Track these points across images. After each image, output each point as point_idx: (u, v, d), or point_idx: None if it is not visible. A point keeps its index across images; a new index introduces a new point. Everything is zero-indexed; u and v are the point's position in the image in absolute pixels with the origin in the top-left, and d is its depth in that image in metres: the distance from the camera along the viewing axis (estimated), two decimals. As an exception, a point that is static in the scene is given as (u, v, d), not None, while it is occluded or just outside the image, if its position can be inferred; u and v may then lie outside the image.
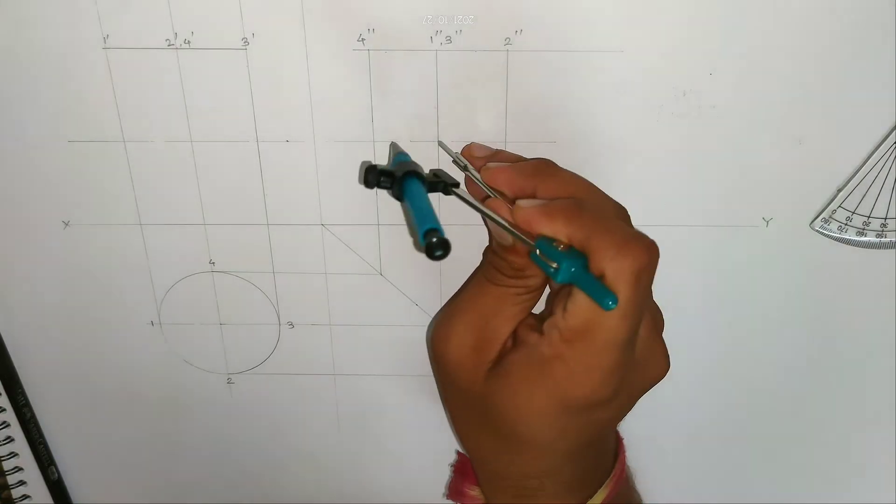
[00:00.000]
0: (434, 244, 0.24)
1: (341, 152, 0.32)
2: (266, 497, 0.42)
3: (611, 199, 0.29)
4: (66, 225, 0.34)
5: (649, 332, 0.29)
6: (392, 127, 0.31)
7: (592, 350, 0.26)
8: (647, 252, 0.25)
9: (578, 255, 0.26)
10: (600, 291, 0.25)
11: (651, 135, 0.31)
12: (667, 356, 0.30)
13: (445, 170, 0.31)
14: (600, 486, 0.32)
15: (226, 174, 0.33)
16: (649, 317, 0.29)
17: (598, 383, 0.27)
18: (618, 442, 0.34)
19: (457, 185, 0.30)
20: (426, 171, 0.31)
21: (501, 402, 0.29)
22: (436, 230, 0.25)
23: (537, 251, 0.27)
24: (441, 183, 0.29)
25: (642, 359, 0.28)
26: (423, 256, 0.34)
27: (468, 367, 0.30)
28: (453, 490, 0.36)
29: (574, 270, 0.26)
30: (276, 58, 0.30)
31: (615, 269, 0.25)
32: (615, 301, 0.25)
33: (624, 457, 0.34)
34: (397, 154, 0.31)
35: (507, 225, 0.27)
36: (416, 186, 0.28)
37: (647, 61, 0.30)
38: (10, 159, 0.32)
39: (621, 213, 0.29)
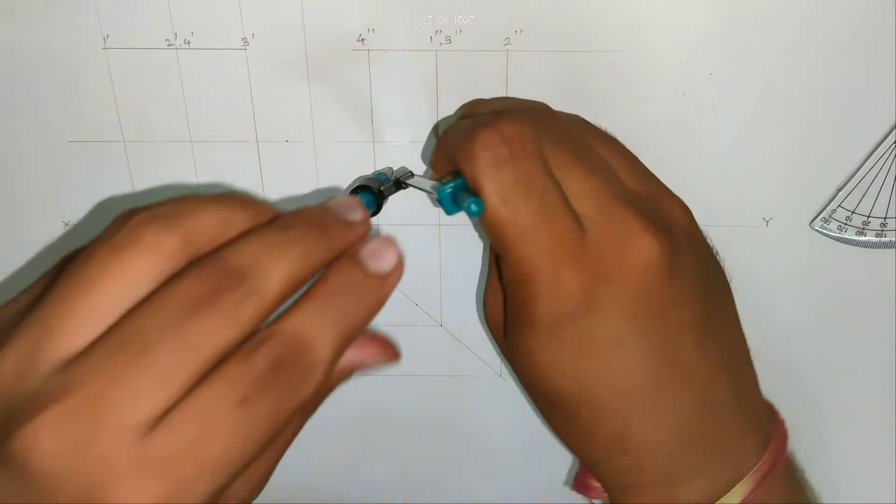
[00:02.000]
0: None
1: (341, 152, 0.32)
2: (266, 497, 0.42)
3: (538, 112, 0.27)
4: (66, 225, 0.34)
5: (597, 201, 0.24)
6: (392, 127, 0.31)
7: (512, 256, 0.24)
8: (494, 131, 0.23)
9: (459, 178, 0.25)
10: (466, 202, 0.23)
11: (651, 135, 0.31)
12: (649, 230, 0.24)
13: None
14: (740, 479, 0.26)
15: (226, 174, 0.33)
16: (583, 185, 0.24)
17: (538, 287, 0.24)
18: (773, 421, 0.28)
19: (410, 175, 0.30)
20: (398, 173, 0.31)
21: (516, 362, 0.27)
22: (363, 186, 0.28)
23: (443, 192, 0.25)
24: (395, 181, 0.29)
25: (603, 240, 0.24)
26: (423, 256, 0.34)
27: (500, 340, 0.28)
28: (579, 482, 0.31)
29: (450, 191, 0.24)
30: (276, 58, 0.30)
31: (467, 169, 0.23)
32: (478, 203, 0.23)
33: (782, 442, 0.27)
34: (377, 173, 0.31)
35: (428, 188, 0.27)
36: (366, 199, 0.28)
37: (647, 61, 0.30)
38: (10, 159, 0.32)
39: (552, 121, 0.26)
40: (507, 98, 0.30)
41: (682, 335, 0.25)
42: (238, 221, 0.20)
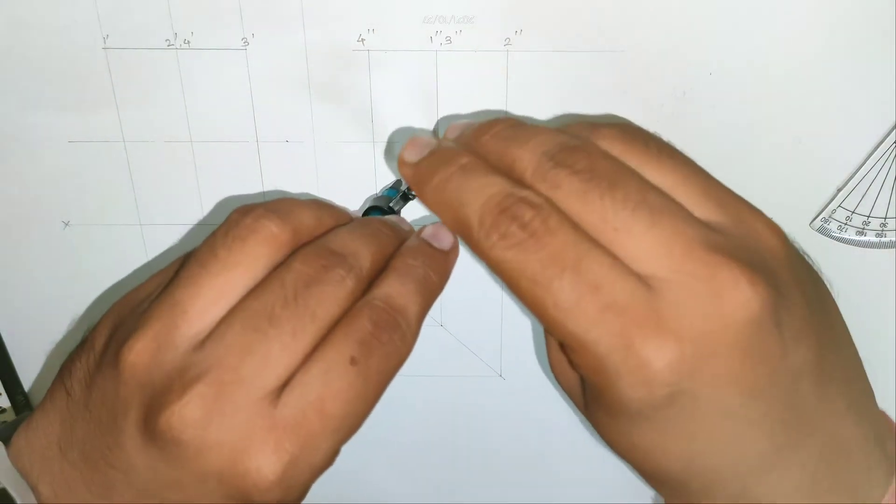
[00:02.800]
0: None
1: (341, 152, 0.32)
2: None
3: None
4: (66, 225, 0.34)
5: (668, 255, 0.20)
6: (392, 127, 0.31)
7: (567, 339, 0.20)
8: (505, 214, 0.20)
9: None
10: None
11: (651, 135, 0.31)
12: (744, 276, 0.19)
13: None
14: None
15: (226, 174, 0.33)
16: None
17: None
18: None
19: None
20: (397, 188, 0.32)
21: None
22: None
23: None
24: (402, 195, 0.31)
25: (684, 299, 0.19)
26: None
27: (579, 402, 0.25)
28: None
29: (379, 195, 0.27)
30: (276, 58, 0.30)
31: (481, 252, 0.21)
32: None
33: None
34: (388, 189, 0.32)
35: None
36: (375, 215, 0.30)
37: (647, 61, 0.30)
38: (10, 159, 0.32)
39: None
40: (512, 124, 0.23)
41: (798, 384, 0.21)
42: (327, 220, 0.24)
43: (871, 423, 0.24)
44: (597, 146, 0.22)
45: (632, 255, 0.20)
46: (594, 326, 0.19)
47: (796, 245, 0.23)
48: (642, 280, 0.20)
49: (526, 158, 0.21)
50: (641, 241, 0.20)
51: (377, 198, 0.32)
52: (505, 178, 0.21)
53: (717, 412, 0.20)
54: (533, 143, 0.21)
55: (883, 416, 0.26)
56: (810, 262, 0.24)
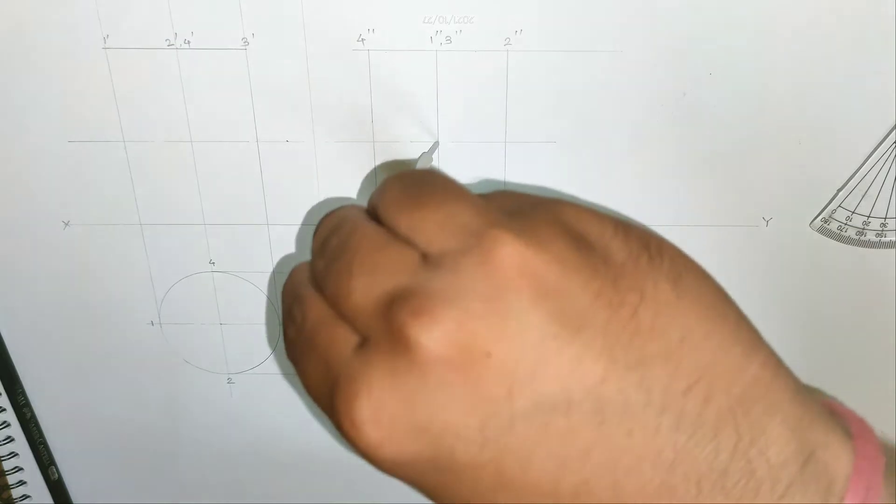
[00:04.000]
0: None
1: (341, 152, 0.32)
2: (266, 497, 0.42)
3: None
4: (66, 225, 0.34)
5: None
6: (392, 127, 0.31)
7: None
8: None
9: None
10: None
11: (651, 135, 0.31)
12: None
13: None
14: None
15: (226, 174, 0.33)
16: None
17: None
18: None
19: None
20: None
21: None
22: None
23: None
24: None
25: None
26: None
27: None
28: None
29: None
30: (276, 58, 0.30)
31: None
32: None
33: (868, 462, 0.19)
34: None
35: None
36: None
37: (647, 61, 0.30)
38: (10, 159, 0.32)
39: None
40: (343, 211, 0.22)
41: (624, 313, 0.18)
42: None
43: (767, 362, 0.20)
44: (348, 218, 0.21)
45: (351, 316, 0.19)
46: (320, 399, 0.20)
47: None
48: (361, 340, 0.19)
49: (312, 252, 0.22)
50: (349, 301, 0.19)
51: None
52: (304, 272, 0.22)
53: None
54: (314, 236, 0.22)
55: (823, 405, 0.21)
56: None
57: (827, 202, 0.32)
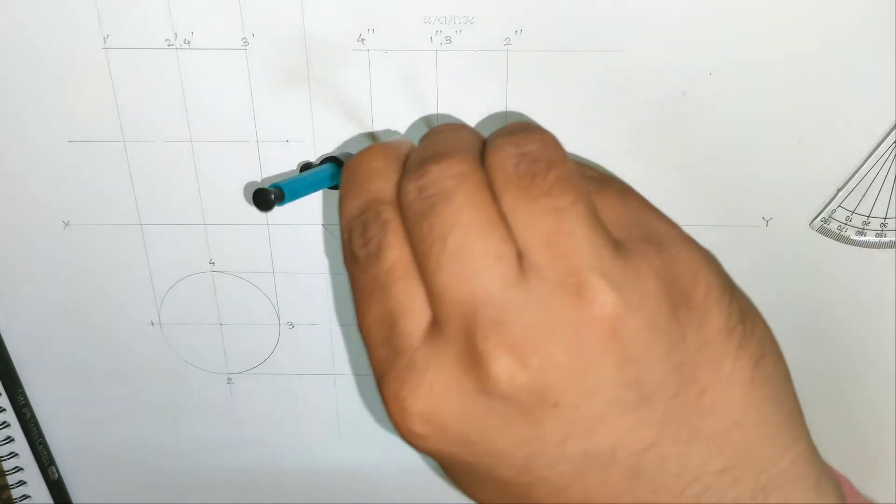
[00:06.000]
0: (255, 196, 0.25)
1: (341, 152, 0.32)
2: (266, 497, 0.42)
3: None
4: (66, 225, 0.34)
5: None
6: (392, 127, 0.31)
7: None
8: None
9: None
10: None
11: (651, 135, 0.31)
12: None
13: None
14: None
15: (226, 174, 0.33)
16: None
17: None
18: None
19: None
20: None
21: None
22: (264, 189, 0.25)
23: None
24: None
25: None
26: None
27: None
28: None
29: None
30: (276, 58, 0.30)
31: None
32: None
33: None
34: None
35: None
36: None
37: (647, 61, 0.30)
38: (10, 159, 0.32)
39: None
40: (445, 126, 0.22)
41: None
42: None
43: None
44: (461, 161, 0.19)
45: (431, 291, 0.19)
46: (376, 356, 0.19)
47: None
48: (433, 321, 0.19)
49: (407, 164, 0.20)
50: (435, 277, 0.18)
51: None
52: (388, 184, 0.20)
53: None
54: (419, 147, 0.20)
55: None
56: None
57: (827, 202, 0.32)
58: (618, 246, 0.19)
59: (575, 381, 0.18)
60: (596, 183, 0.21)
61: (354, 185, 0.21)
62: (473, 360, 0.18)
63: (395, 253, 0.19)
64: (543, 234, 0.18)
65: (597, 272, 0.18)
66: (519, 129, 0.20)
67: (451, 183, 0.19)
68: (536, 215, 0.18)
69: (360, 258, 0.20)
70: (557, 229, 0.18)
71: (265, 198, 0.25)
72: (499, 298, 0.18)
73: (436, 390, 0.18)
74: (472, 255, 0.18)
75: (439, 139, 0.21)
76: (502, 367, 0.17)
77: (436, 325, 0.18)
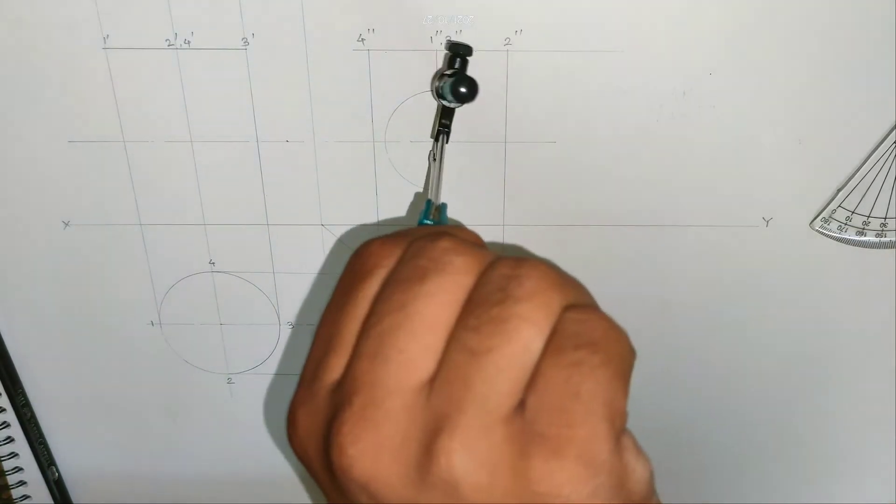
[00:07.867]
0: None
1: (341, 152, 0.32)
2: (266, 497, 0.42)
3: None
4: (66, 225, 0.34)
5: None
6: (392, 127, 0.31)
7: None
8: None
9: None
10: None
11: (651, 135, 0.31)
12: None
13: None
14: None
15: (226, 174, 0.33)
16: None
17: None
18: None
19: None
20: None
21: None
22: None
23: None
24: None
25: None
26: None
27: None
28: None
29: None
30: (276, 58, 0.30)
31: None
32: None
33: None
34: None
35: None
36: None
37: (647, 61, 0.30)
38: (10, 159, 0.32)
39: None
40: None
41: None
42: None
43: None
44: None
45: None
46: None
47: None
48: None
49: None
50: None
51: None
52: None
53: None
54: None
55: None
56: None
57: (827, 202, 0.32)
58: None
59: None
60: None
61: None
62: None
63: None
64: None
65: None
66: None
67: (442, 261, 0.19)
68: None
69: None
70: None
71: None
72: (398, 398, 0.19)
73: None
74: (395, 345, 0.19)
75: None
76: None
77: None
